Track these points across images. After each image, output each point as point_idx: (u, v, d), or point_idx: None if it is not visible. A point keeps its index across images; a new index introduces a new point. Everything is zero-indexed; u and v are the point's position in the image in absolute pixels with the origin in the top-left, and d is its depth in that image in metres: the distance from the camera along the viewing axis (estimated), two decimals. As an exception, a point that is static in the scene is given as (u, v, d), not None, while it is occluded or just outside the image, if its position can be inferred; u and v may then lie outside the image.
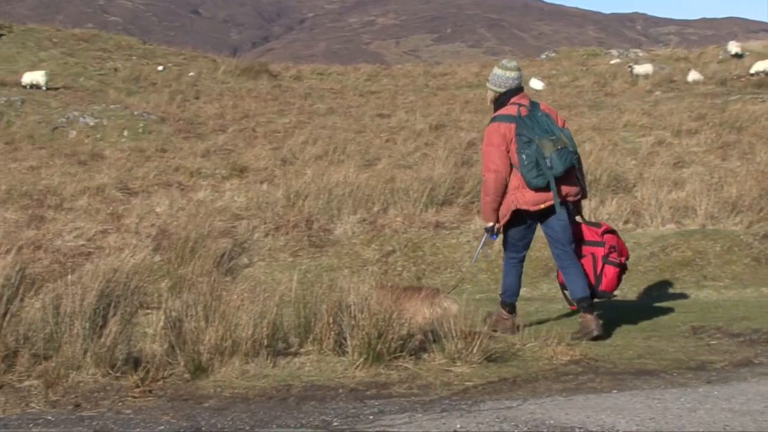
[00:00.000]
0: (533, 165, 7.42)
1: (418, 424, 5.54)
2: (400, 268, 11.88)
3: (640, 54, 45.15)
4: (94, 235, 13.42)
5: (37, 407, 6.19)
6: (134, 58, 41.46)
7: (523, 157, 7.45)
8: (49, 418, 5.98)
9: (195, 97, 34.22)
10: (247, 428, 5.65)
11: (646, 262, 11.72)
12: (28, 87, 33.06)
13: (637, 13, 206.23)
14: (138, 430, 5.67)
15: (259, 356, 6.92)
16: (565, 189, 7.67)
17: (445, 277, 11.75)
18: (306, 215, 13.69)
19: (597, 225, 8.24)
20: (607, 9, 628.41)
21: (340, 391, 6.47)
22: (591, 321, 7.94)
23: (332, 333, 7.12)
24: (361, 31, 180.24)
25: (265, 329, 6.96)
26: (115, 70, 38.37)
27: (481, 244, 8.91)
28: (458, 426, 5.47)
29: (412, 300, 7.74)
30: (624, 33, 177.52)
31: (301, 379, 6.71)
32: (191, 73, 38.50)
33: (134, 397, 6.34)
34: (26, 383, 6.49)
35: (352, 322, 6.90)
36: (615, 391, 6.34)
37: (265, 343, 6.96)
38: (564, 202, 7.74)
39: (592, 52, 47.81)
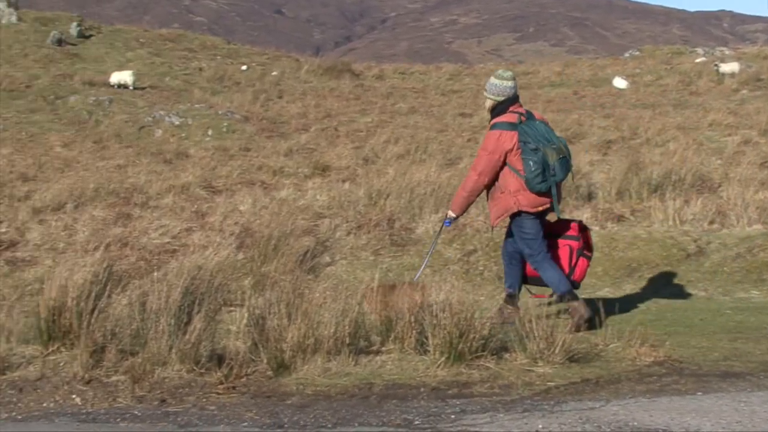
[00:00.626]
0: (540, 171, 7.81)
1: (499, 424, 5.52)
2: (481, 268, 11.80)
3: (727, 52, 44.35)
4: (179, 233, 13.59)
5: (124, 402, 6.31)
6: (218, 57, 41.95)
7: (531, 163, 7.82)
8: (136, 413, 6.09)
9: (278, 96, 34.50)
10: (329, 426, 5.69)
11: (732, 263, 11.46)
12: (115, 87, 33.71)
13: (723, 10, 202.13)
14: (222, 426, 5.74)
15: (341, 354, 6.96)
16: (558, 193, 8.10)
17: (526, 276, 11.63)
18: (388, 214, 13.69)
19: (572, 220, 8.62)
20: (692, 6, 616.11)
21: (422, 389, 6.48)
22: (580, 306, 8.22)
23: (414, 332, 7.13)
24: (443, 31, 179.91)
25: (347, 327, 7.00)
26: (200, 69, 38.88)
27: (439, 233, 9.44)
28: (540, 426, 5.43)
29: (396, 291, 7.95)
30: (710, 31, 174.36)
31: (383, 378, 6.73)
32: (274, 73, 38.82)
33: (218, 394, 6.42)
34: (114, 378, 6.62)
35: (434, 321, 6.90)
36: (700, 393, 6.23)
37: (347, 342, 7.00)
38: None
39: (676, 50, 47.07)
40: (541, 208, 8.05)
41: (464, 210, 8.45)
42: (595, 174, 16.36)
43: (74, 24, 44.11)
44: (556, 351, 6.88)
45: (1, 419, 6.03)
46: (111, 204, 15.73)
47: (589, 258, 8.38)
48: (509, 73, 8.31)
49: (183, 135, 27.87)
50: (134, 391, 6.44)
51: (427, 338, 6.96)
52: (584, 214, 13.01)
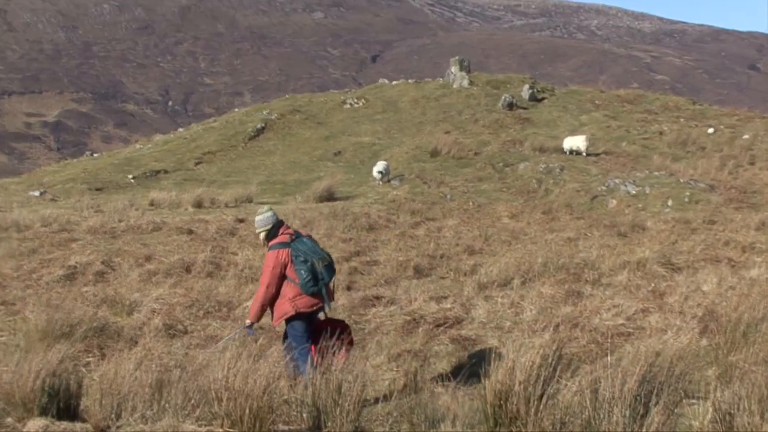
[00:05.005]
0: (311, 277, 10.25)
1: None
2: None
3: None
4: (633, 314, 13.56)
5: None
6: (682, 119, 41.61)
7: (303, 272, 10.25)
8: None
9: (749, 162, 33.50)
10: None
11: None
12: (567, 153, 34.52)
13: None
14: None
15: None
16: (327, 293, 10.48)
17: None
18: None
19: (338, 321, 10.96)
20: None
21: None
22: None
23: None
24: None
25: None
26: (660, 133, 38.76)
27: (234, 334, 11.53)
28: None
29: None
30: None
31: None
32: (746, 136, 37.75)
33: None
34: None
35: None
36: None
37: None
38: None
39: None
40: (315, 308, 10.42)
41: (260, 318, 10.63)
42: None
43: (526, 86, 46.00)
44: None
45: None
46: (560, 280, 16.06)
47: (348, 350, 10.14)
48: (266, 207, 11.01)
49: (639, 205, 27.89)
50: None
51: None
52: None
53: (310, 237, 10.82)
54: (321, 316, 10.72)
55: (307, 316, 10.43)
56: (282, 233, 10.64)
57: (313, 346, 10.17)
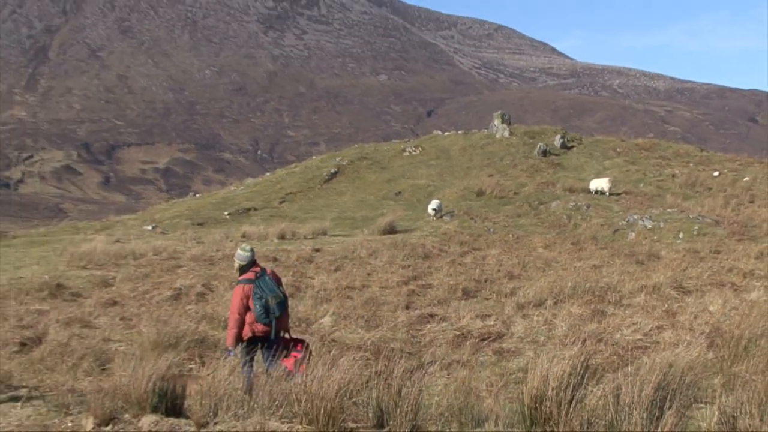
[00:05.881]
0: (264, 311, 10.77)
1: None
2: None
3: None
4: (650, 331, 13.41)
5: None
6: (691, 164, 41.18)
7: (258, 306, 10.77)
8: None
9: (749, 201, 33.05)
10: None
11: None
12: (593, 193, 34.34)
13: None
14: None
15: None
16: (281, 323, 10.93)
17: None
18: None
19: (300, 341, 11.10)
20: None
21: None
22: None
23: None
24: None
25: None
26: (673, 176, 38.39)
27: (222, 358, 11.60)
28: None
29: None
30: None
31: None
32: (746, 178, 37.26)
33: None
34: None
35: None
36: None
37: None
38: (278, 331, 10.95)
39: None
40: (268, 334, 10.84)
41: (236, 341, 10.83)
42: None
43: (558, 136, 45.78)
44: None
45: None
46: (587, 301, 15.92)
47: (306, 363, 10.37)
48: (249, 247, 11.30)
49: (654, 237, 27.60)
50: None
51: None
52: None
53: (273, 275, 11.27)
54: (286, 336, 11.22)
55: (261, 339, 10.90)
56: (251, 270, 11.12)
57: (294, 354, 10.75)
